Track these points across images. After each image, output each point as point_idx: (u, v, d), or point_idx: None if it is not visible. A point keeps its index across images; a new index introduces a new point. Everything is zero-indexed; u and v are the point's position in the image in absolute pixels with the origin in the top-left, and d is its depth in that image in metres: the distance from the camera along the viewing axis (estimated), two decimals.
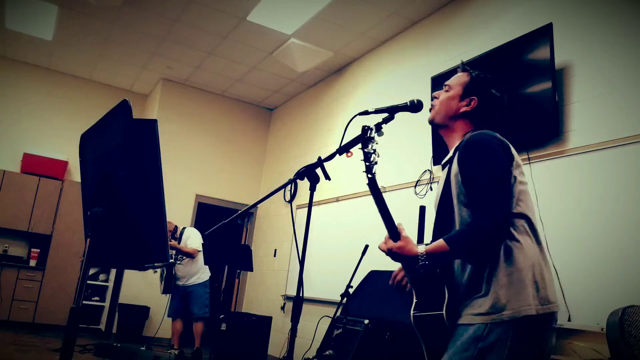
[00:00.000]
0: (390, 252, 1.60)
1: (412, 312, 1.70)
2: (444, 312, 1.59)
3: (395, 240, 1.59)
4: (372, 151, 1.62)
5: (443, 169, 1.77)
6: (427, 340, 1.69)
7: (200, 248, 5.34)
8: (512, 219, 1.56)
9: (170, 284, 5.29)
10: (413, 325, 1.70)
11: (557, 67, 3.37)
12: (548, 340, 1.53)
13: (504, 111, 1.81)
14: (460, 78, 1.79)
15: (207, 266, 5.40)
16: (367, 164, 1.61)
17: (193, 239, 5.35)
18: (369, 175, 1.61)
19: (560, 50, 3.40)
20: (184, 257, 5.29)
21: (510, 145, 1.65)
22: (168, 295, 5.40)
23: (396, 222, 1.62)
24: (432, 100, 1.83)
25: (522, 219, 1.58)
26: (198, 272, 5.34)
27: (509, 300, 1.48)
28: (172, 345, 5.33)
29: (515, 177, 1.59)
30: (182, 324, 5.37)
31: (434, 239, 1.67)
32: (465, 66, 1.84)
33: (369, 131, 1.65)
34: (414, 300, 1.71)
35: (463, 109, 1.74)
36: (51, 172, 7.07)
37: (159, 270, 5.47)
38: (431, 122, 1.82)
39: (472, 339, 1.48)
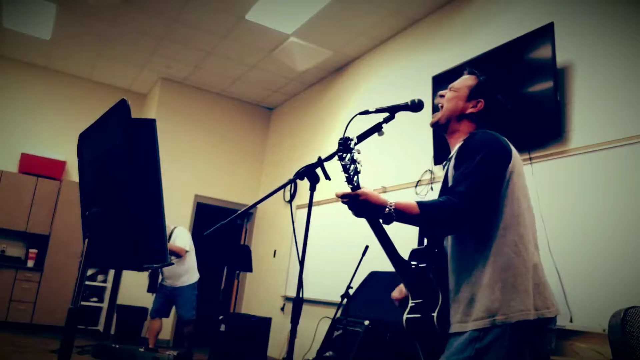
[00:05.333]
0: (354, 199, 1.53)
1: (405, 315, 1.70)
2: (435, 314, 1.58)
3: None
4: (348, 163, 1.59)
5: (444, 168, 1.77)
6: (422, 343, 1.68)
7: (189, 248, 5.23)
8: (512, 222, 1.54)
9: (155, 282, 5.22)
10: (405, 328, 1.69)
11: (558, 67, 3.36)
12: (547, 342, 1.52)
13: (507, 117, 1.81)
14: (466, 80, 1.79)
15: (195, 268, 5.32)
16: (347, 175, 1.59)
17: (181, 238, 5.22)
18: (350, 186, 1.58)
19: (561, 49, 3.39)
20: (171, 256, 5.22)
21: (512, 149, 1.64)
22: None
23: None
24: (439, 97, 1.81)
25: (523, 222, 1.57)
26: (187, 273, 5.21)
27: (502, 305, 1.47)
28: (148, 345, 5.25)
29: (510, 179, 1.58)
30: (160, 325, 5.28)
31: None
32: (473, 70, 1.83)
33: (349, 142, 1.61)
34: (409, 304, 1.71)
35: (469, 110, 1.73)
36: (49, 172, 7.05)
37: None
38: (434, 124, 1.79)
39: (469, 340, 1.48)
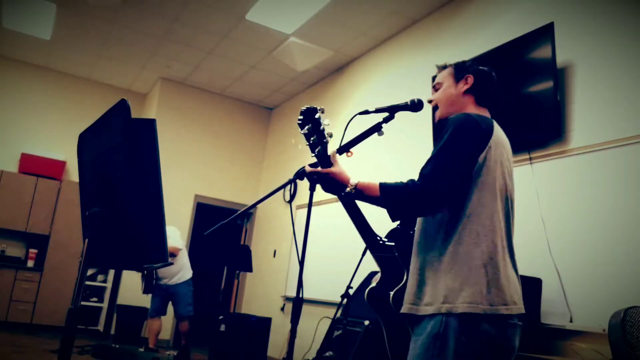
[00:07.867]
0: (322, 175, 1.59)
1: (368, 287, 1.75)
2: (392, 293, 1.61)
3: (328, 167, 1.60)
4: (307, 132, 1.65)
5: None
6: (382, 315, 1.73)
7: (181, 247, 5.31)
8: (478, 210, 1.48)
9: (150, 283, 5.25)
10: (366, 300, 1.74)
11: (558, 67, 3.36)
12: (510, 338, 1.45)
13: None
14: (444, 73, 1.78)
15: (188, 265, 5.39)
16: (307, 144, 1.65)
17: (173, 238, 5.25)
18: (313, 155, 1.62)
19: (561, 49, 3.39)
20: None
21: (496, 135, 1.56)
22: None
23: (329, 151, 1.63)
24: (429, 103, 1.80)
25: (490, 212, 1.49)
26: (180, 271, 5.28)
27: (450, 293, 1.43)
28: (148, 345, 5.28)
29: (484, 165, 1.50)
30: (160, 324, 5.32)
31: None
32: (442, 65, 1.82)
33: (314, 112, 1.65)
34: (378, 277, 1.75)
35: (464, 88, 1.70)
36: (49, 172, 7.05)
37: None
38: (439, 122, 1.76)
39: (432, 338, 1.43)
